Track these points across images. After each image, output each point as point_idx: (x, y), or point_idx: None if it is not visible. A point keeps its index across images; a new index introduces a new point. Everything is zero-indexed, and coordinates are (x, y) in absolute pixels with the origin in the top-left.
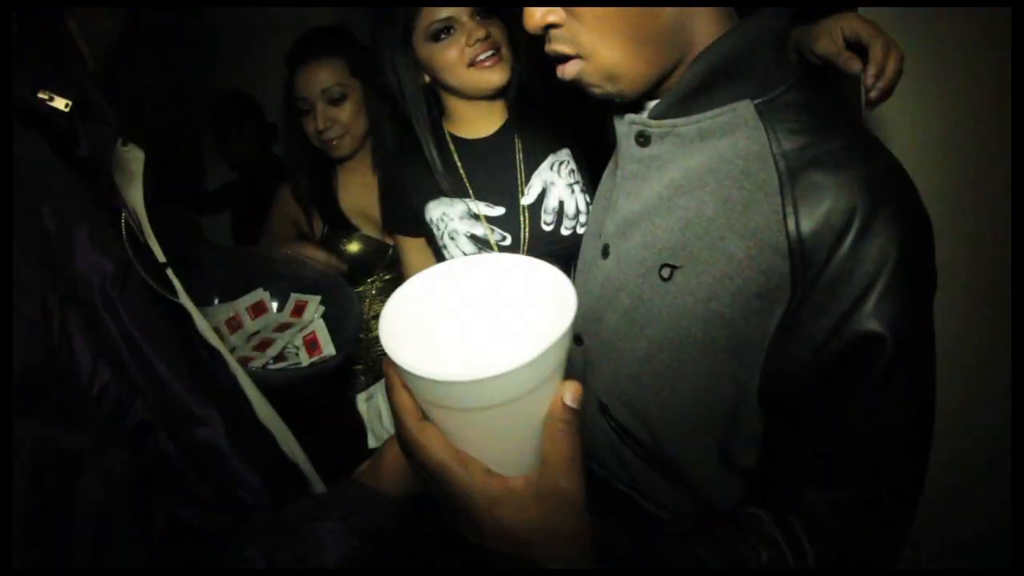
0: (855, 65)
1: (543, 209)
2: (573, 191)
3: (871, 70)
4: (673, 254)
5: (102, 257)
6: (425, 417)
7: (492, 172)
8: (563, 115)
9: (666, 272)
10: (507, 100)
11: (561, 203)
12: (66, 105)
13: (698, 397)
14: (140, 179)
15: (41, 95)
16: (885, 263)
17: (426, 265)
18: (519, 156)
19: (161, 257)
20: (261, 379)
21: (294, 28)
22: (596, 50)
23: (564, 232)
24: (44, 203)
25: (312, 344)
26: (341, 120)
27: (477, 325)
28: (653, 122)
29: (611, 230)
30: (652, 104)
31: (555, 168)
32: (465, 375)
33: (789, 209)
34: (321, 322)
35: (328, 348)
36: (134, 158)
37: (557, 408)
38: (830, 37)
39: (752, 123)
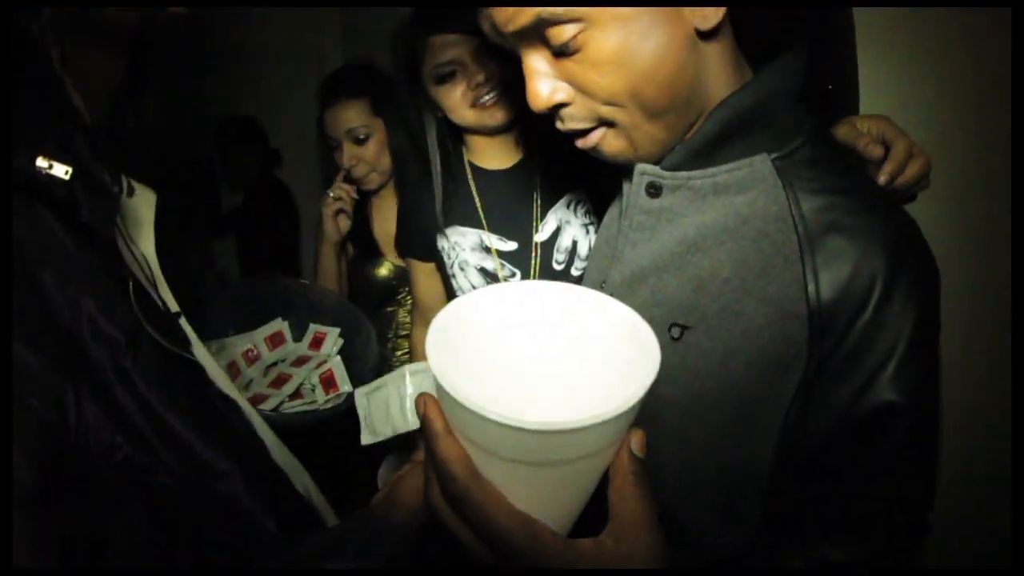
0: (876, 151)
1: (556, 247)
2: (588, 231)
3: (888, 166)
4: (684, 313)
5: (113, 328)
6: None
7: (508, 205)
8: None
9: (676, 331)
10: (526, 132)
11: (575, 243)
12: (66, 172)
13: (705, 456)
14: (151, 226)
15: (40, 163)
16: (904, 329)
17: (436, 291)
18: (536, 191)
19: (174, 306)
20: (276, 421)
21: (302, 52)
22: (615, 118)
23: (575, 273)
24: (48, 282)
25: (328, 382)
26: (366, 158)
27: (528, 364)
28: (667, 174)
29: (616, 281)
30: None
31: (572, 206)
32: (568, 422)
33: (810, 276)
34: (338, 359)
35: (345, 386)
36: (145, 202)
37: (625, 460)
38: (852, 126)
39: (770, 180)
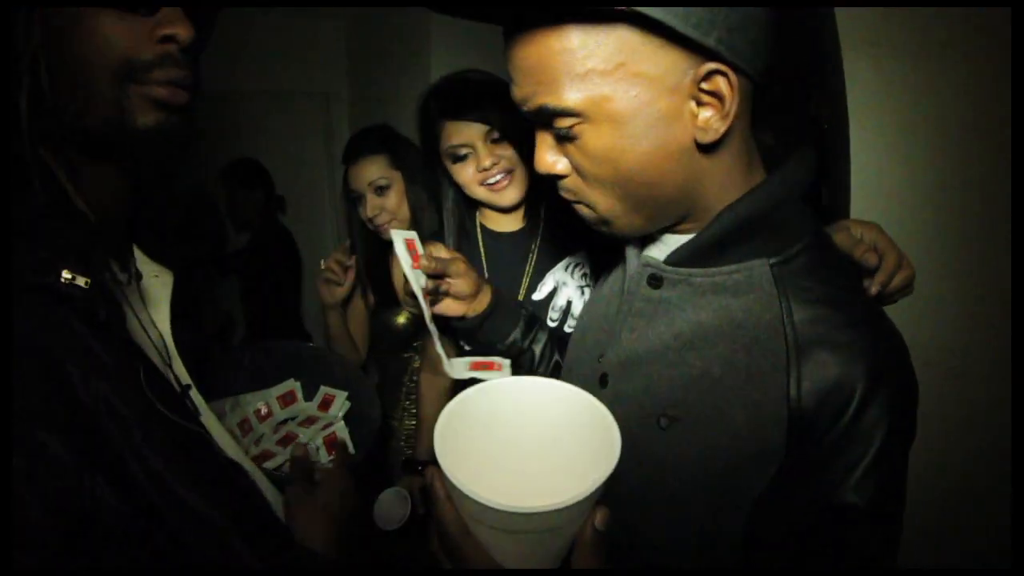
0: (872, 259)
1: (551, 306)
2: (583, 293)
3: (880, 277)
4: (673, 406)
5: (126, 410)
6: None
7: (511, 264)
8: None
9: (664, 422)
10: (534, 201)
11: (569, 303)
12: (86, 283)
13: (687, 527)
14: (167, 305)
15: (65, 275)
16: (875, 439)
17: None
18: (534, 254)
19: (185, 379)
20: (279, 480)
21: (310, 103)
22: (597, 203)
23: (567, 329)
24: (74, 374)
25: (332, 444)
26: (387, 207)
27: (517, 446)
28: (669, 268)
29: (612, 361)
30: (667, 247)
31: (569, 269)
32: (530, 507)
33: (793, 385)
34: (343, 423)
35: (348, 448)
36: (161, 283)
37: (589, 532)
38: (849, 233)
39: (767, 288)
